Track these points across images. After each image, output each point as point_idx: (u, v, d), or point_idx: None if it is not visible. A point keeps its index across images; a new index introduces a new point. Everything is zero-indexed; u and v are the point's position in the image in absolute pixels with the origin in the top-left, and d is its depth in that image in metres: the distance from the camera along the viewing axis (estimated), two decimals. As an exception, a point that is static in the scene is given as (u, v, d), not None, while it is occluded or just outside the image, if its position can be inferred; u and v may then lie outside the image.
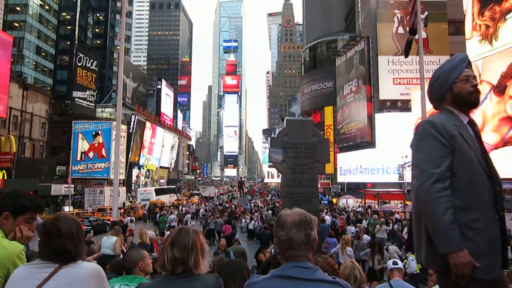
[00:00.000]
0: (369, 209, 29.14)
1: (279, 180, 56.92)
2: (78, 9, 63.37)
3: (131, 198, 43.09)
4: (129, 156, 50.08)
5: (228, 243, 9.11)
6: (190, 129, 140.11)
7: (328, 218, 17.71)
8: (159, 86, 76.10)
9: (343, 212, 24.70)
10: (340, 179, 40.44)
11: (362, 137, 38.13)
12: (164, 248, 1.85)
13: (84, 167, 42.06)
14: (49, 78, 59.03)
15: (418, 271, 7.07)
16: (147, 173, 59.41)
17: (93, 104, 46.89)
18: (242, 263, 3.05)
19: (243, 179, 62.51)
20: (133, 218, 21.56)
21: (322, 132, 50.16)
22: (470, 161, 1.84)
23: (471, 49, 24.16)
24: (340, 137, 43.01)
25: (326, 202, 35.68)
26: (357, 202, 36.08)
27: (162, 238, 10.43)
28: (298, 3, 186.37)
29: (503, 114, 21.24)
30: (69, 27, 62.69)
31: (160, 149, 64.94)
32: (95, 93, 47.25)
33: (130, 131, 50.29)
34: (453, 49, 33.59)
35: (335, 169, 42.62)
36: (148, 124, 57.70)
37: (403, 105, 34.83)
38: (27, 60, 53.40)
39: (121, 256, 6.23)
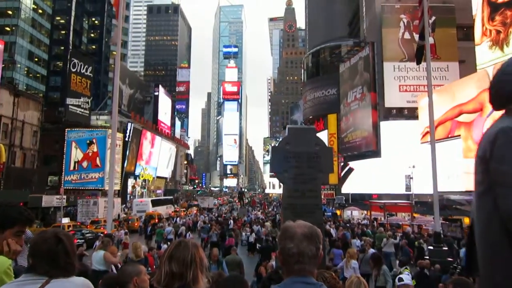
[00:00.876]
0: (375, 222, 28.96)
1: (280, 191, 56.51)
2: (73, 13, 63.83)
3: (126, 210, 42.94)
4: (125, 165, 50.05)
5: (226, 253, 9.05)
6: (189, 137, 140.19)
7: (333, 231, 17.62)
8: (156, 93, 76.39)
9: (347, 224, 24.56)
10: (345, 189, 40.29)
11: (367, 146, 38.09)
12: (162, 262, 1.82)
13: (77, 177, 41.99)
14: (42, 84, 59.22)
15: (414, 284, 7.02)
16: (143, 183, 59.29)
17: (88, 112, 46.98)
18: (241, 279, 3.01)
19: (243, 189, 62.31)
20: (127, 231, 21.43)
21: (325, 141, 49.72)
22: None
23: (481, 55, 24.21)
24: (344, 146, 42.97)
25: (330, 214, 35.50)
26: (362, 214, 35.89)
27: (159, 252, 10.31)
28: (301, 8, 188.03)
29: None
30: (63, 32, 63.10)
31: (157, 158, 64.89)
32: (89, 100, 47.36)
33: (126, 139, 50.34)
34: (462, 55, 33.70)
35: (339, 179, 42.48)
36: (144, 132, 57.76)
37: (410, 113, 34.86)
38: (18, 65, 53.67)
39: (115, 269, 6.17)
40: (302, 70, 68.47)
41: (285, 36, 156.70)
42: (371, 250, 11.37)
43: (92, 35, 70.07)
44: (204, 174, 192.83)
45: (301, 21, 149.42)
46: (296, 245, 1.55)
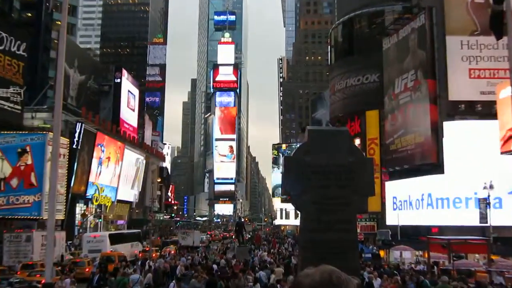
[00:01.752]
0: (435, 267, 28.78)
1: (297, 222, 56.39)
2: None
3: (73, 249, 42.98)
4: (72, 184, 50.21)
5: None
6: (164, 143, 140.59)
7: (376, 284, 17.55)
8: (118, 80, 76.95)
9: (396, 272, 24.45)
10: (391, 220, 40.16)
11: (423, 157, 38.04)
12: None
13: (3, 201, 42.12)
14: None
15: None
16: (98, 210, 59.41)
17: (20, 107, 47.14)
18: None
19: (243, 219, 62.17)
20: (74, 280, 21.44)
21: (363, 149, 49.77)
22: None
23: None
24: (391, 157, 42.94)
25: (370, 255, 35.32)
26: (416, 256, 35.67)
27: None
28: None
29: None
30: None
31: (117, 174, 65.09)
32: (22, 91, 47.49)
33: (74, 146, 50.58)
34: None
35: (383, 205, 42.38)
36: (100, 136, 58.02)
37: (485, 109, 34.78)
38: None
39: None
40: (329, 47, 68.85)
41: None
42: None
43: (28, -2, 70.74)
44: (186, 198, 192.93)
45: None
46: None
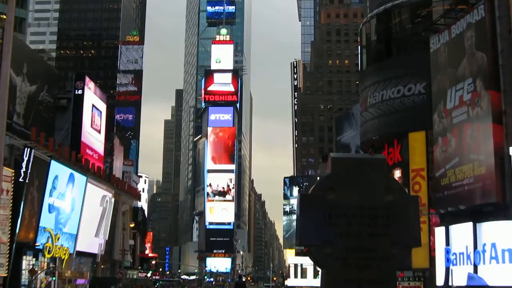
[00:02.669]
0: None
1: (317, 283, 55.38)
2: None
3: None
4: (17, 230, 50.05)
5: None
6: (139, 176, 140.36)
7: None
8: (79, 91, 77.30)
9: None
10: (442, 279, 39.75)
11: (484, 195, 37.80)
12: None
13: None
14: None
15: None
16: (51, 265, 59.01)
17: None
18: None
19: (244, 278, 61.59)
20: None
21: (404, 184, 49.43)
22: None
23: None
24: (442, 194, 42.69)
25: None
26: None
27: None
28: None
29: None
30: None
31: (77, 217, 64.96)
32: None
33: (21, 179, 50.57)
34: None
35: (432, 259, 42.02)
36: (55, 165, 58.06)
37: None
38: None
39: None
40: (359, 48, 69.03)
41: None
42: None
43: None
44: (168, 249, 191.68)
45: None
46: None
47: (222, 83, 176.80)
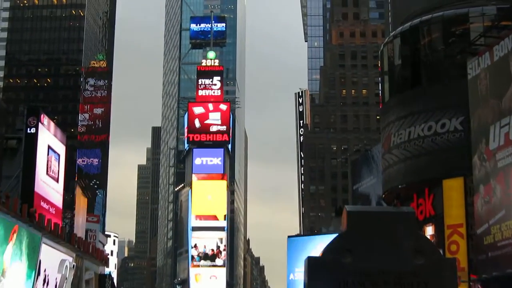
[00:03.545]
0: None
1: None
2: None
3: None
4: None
5: None
6: (107, 235, 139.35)
7: None
8: (32, 130, 77.29)
9: None
10: None
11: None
12: None
13: None
14: None
15: None
16: None
17: None
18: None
19: None
20: None
21: (438, 244, 49.23)
22: None
23: None
24: (485, 256, 42.55)
25: None
26: None
27: None
28: None
29: None
30: None
31: (30, 286, 64.40)
32: None
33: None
34: None
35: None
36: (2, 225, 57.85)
37: None
38: None
39: None
40: (380, 73, 69.10)
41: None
42: None
43: None
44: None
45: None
46: None
47: (209, 119, 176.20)
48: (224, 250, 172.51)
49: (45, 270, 67.63)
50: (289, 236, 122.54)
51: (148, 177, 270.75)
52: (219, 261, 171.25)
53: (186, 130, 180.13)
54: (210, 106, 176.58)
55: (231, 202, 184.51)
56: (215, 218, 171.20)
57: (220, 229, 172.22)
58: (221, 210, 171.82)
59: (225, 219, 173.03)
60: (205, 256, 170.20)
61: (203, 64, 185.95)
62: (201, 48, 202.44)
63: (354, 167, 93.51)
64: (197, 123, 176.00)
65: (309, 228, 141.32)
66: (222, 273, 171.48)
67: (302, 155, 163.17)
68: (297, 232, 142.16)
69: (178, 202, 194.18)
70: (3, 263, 59.64)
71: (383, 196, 60.60)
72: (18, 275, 62.98)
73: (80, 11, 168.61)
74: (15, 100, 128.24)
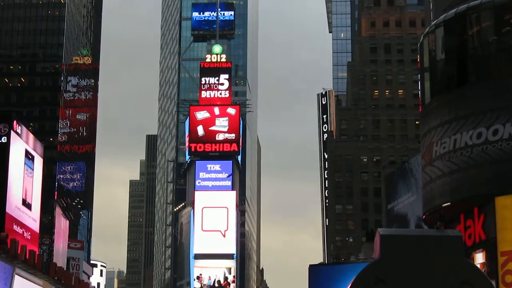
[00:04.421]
0: None
1: None
2: None
3: None
4: None
5: None
6: (93, 265, 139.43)
7: None
8: (3, 139, 77.43)
9: None
10: None
11: None
12: None
13: None
14: None
15: None
16: None
17: None
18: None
19: None
20: None
21: (490, 274, 49.26)
22: None
23: None
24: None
25: None
26: None
27: None
28: None
29: None
30: None
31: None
32: None
33: None
34: None
35: None
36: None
37: None
38: None
39: None
40: (419, 70, 68.83)
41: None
42: None
43: None
44: None
45: None
46: None
47: (215, 125, 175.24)
48: (233, 282, 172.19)
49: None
50: (310, 265, 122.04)
51: (142, 195, 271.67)
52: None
53: (187, 139, 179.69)
54: (216, 110, 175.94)
55: (241, 224, 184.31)
56: (221, 234, 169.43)
57: (229, 256, 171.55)
58: (230, 227, 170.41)
59: (235, 244, 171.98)
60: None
61: (208, 60, 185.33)
62: (205, 41, 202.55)
63: (389, 183, 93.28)
64: (200, 131, 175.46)
65: (335, 255, 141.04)
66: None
67: (326, 168, 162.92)
68: (320, 260, 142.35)
69: (178, 224, 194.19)
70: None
71: (424, 217, 60.12)
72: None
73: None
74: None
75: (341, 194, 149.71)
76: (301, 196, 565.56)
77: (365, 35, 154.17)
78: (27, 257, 72.26)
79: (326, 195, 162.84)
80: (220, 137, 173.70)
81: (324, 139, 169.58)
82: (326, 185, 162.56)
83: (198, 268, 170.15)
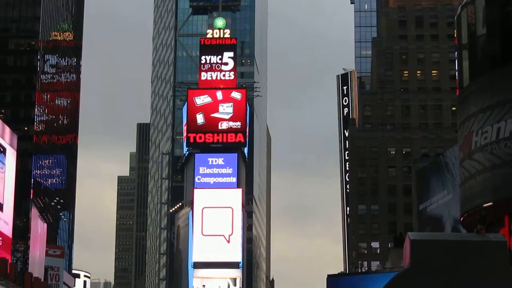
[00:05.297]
0: None
1: None
2: None
3: None
4: None
5: None
6: (75, 276, 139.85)
7: None
8: (-31, 129, 77.81)
9: None
10: None
11: None
12: None
13: None
14: None
15: None
16: None
17: None
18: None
19: None
20: None
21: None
22: None
23: None
24: None
25: None
26: None
27: None
28: None
29: None
30: None
31: None
32: None
33: None
34: None
35: None
36: None
37: None
38: None
39: None
40: (457, 47, 68.78)
41: None
42: None
43: None
44: None
45: None
46: None
47: (217, 112, 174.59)
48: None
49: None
50: (329, 275, 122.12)
51: (132, 194, 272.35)
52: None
53: (185, 128, 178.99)
54: (219, 94, 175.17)
55: (248, 227, 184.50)
56: (225, 239, 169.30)
57: (233, 265, 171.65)
58: (235, 231, 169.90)
59: (241, 251, 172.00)
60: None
61: (209, 35, 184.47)
62: (206, 13, 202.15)
63: (421, 179, 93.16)
64: (200, 118, 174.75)
65: (357, 263, 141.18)
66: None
67: (347, 162, 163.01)
68: (341, 269, 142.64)
69: (174, 228, 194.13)
70: None
71: (461, 219, 60.05)
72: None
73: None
74: None
75: (365, 193, 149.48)
76: (318, 195, 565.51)
77: (393, 6, 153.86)
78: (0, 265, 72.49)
79: (347, 193, 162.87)
80: (223, 126, 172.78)
81: (345, 128, 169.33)
82: (347, 182, 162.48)
83: (198, 278, 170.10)
